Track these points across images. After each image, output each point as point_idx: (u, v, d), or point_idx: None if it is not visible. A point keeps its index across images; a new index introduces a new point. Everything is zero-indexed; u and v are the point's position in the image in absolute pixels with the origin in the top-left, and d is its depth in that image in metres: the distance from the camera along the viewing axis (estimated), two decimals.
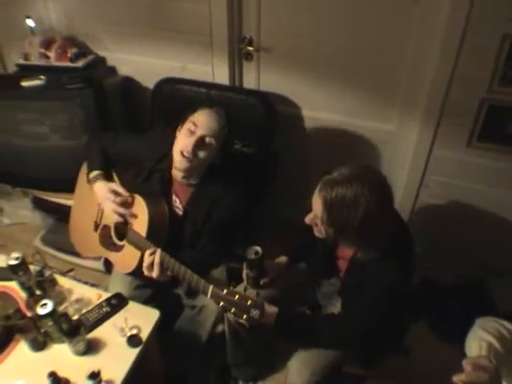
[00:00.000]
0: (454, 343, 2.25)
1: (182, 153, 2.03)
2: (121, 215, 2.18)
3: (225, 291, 1.76)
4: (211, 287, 1.81)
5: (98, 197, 2.21)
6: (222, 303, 1.75)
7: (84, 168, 2.40)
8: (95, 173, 2.25)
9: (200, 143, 2.04)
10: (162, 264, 1.95)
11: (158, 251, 1.96)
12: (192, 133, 2.04)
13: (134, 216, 2.16)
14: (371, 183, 1.61)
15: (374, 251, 1.79)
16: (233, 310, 1.73)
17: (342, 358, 2.08)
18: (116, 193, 2.18)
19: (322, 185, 1.70)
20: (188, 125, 2.06)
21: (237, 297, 1.73)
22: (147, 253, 1.98)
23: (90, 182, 2.25)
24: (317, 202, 1.71)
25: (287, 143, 2.97)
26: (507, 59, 2.20)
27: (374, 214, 1.61)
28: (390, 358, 2.21)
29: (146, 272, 1.98)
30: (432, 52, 2.36)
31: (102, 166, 2.28)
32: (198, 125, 2.05)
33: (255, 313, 1.71)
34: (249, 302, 1.72)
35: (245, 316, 1.71)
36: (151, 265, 1.96)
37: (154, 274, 1.96)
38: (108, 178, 2.27)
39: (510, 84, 2.26)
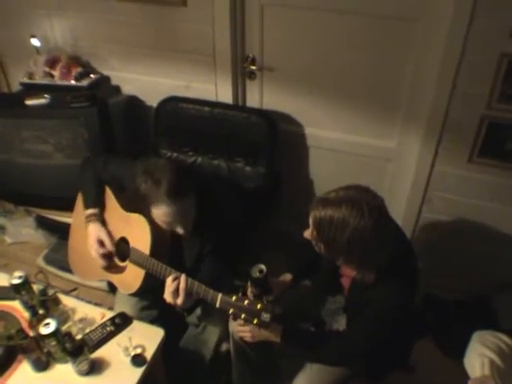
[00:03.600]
0: (459, 359, 2.25)
1: None
2: (100, 264, 2.23)
3: (234, 298, 1.76)
4: (220, 295, 1.81)
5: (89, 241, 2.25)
6: (231, 310, 1.75)
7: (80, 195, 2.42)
8: (89, 212, 2.27)
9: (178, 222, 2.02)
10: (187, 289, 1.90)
11: (183, 276, 1.90)
12: (163, 223, 2.02)
13: (136, 235, 2.17)
14: (363, 207, 1.61)
15: (368, 272, 1.79)
16: (243, 315, 1.72)
17: (348, 376, 2.07)
18: (102, 243, 2.21)
19: (314, 202, 1.72)
20: (157, 220, 2.03)
21: (246, 302, 1.73)
22: (170, 279, 1.91)
23: (85, 220, 2.28)
24: (310, 219, 1.74)
25: (290, 161, 2.99)
26: (505, 77, 2.22)
27: (364, 236, 1.62)
28: (395, 374, 2.21)
29: (169, 299, 1.91)
30: (432, 70, 2.38)
31: (95, 202, 2.30)
32: (164, 216, 1.98)
33: (266, 316, 1.70)
34: (259, 306, 1.71)
35: (255, 320, 1.71)
36: (176, 291, 1.90)
37: (180, 300, 1.89)
38: (102, 213, 2.30)
39: (508, 101, 2.28)
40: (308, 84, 2.76)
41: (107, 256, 2.23)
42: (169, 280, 1.91)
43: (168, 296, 1.91)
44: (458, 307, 2.85)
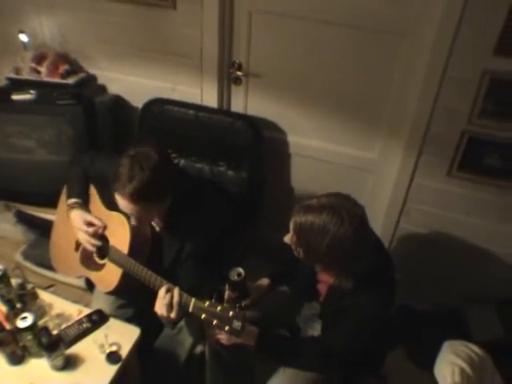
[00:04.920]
0: (430, 370, 2.28)
1: None
2: (93, 245, 2.18)
3: (207, 303, 1.77)
4: (193, 300, 1.82)
5: (73, 226, 2.22)
6: (203, 315, 1.76)
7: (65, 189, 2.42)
8: (72, 201, 2.26)
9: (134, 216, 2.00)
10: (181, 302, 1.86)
11: (177, 289, 1.88)
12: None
13: (115, 233, 2.17)
14: (343, 214, 1.63)
15: (346, 280, 1.81)
16: (215, 321, 1.74)
17: (321, 382, 2.08)
18: (89, 223, 2.18)
19: (296, 209, 1.74)
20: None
21: (218, 308, 1.75)
22: (162, 290, 1.89)
23: (67, 209, 2.27)
24: (291, 224, 1.76)
25: (272, 167, 3.02)
26: (487, 94, 2.27)
27: (343, 244, 1.64)
28: (368, 382, 2.23)
29: (161, 312, 1.87)
30: (416, 84, 2.42)
31: (79, 194, 2.29)
32: (122, 207, 1.95)
33: (237, 324, 1.72)
34: (230, 314, 1.73)
35: (227, 327, 1.72)
36: (170, 305, 1.86)
37: (174, 314, 1.86)
38: (85, 205, 2.28)
39: (488, 117, 2.32)
40: (293, 92, 2.79)
41: (99, 235, 2.20)
42: (161, 292, 1.89)
43: (161, 309, 1.87)
44: (431, 318, 2.88)
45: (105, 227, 2.19)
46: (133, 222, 2.02)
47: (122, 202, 1.90)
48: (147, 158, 1.89)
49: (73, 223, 2.22)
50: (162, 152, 1.98)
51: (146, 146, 1.98)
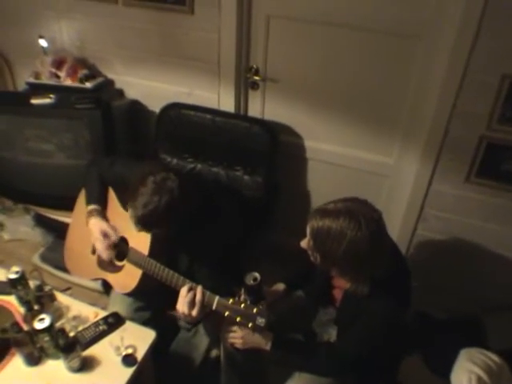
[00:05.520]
0: (446, 378, 2.26)
1: None
2: (107, 256, 2.23)
3: (230, 301, 1.79)
4: (217, 297, 1.83)
5: (91, 234, 2.25)
6: (227, 312, 1.77)
7: (83, 193, 2.44)
8: (91, 207, 2.29)
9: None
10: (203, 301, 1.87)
11: (199, 288, 1.88)
12: None
13: (135, 235, 2.17)
14: (361, 219, 1.63)
15: (363, 285, 1.80)
16: (238, 318, 1.75)
17: None
18: (106, 234, 2.22)
19: (313, 213, 1.74)
20: None
21: (242, 305, 1.76)
22: (185, 288, 1.89)
23: (86, 215, 2.29)
24: (307, 228, 1.76)
25: (288, 172, 3.02)
26: (506, 99, 2.24)
27: (360, 248, 1.64)
28: None
29: (183, 309, 1.86)
30: (434, 87, 2.40)
31: (98, 199, 2.32)
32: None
33: (261, 321, 1.73)
34: (254, 310, 1.74)
35: (250, 324, 1.73)
36: (192, 302, 1.86)
37: (195, 312, 1.86)
38: (103, 211, 2.31)
39: (508, 123, 2.29)
40: (310, 97, 2.79)
41: (113, 247, 2.24)
42: (184, 290, 1.89)
43: (182, 306, 1.87)
44: (448, 326, 2.85)
45: (120, 238, 2.24)
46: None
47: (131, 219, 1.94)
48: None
49: (91, 231, 2.25)
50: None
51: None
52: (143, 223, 1.91)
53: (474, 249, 2.72)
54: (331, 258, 1.71)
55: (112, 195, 2.36)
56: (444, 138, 2.47)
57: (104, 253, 2.22)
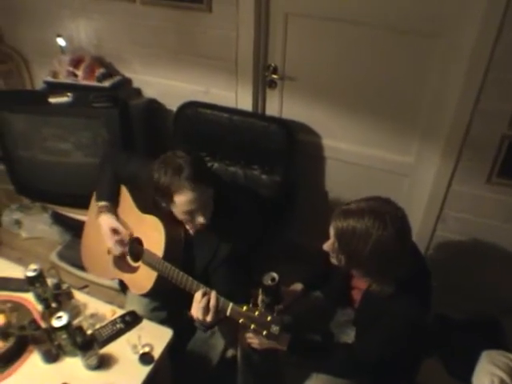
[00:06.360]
0: (466, 381, 2.23)
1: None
2: (117, 252, 2.25)
3: (244, 308, 1.76)
4: (231, 304, 1.81)
5: (101, 230, 2.27)
6: (241, 320, 1.75)
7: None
8: (101, 203, 2.30)
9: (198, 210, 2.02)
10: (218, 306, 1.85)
11: (213, 293, 1.86)
12: (184, 214, 2.03)
13: (150, 236, 2.18)
14: (386, 218, 1.61)
15: (388, 285, 1.78)
16: (252, 326, 1.73)
17: None
18: (115, 231, 2.23)
19: (336, 214, 1.72)
20: (176, 210, 2.03)
21: (256, 313, 1.74)
22: (199, 293, 1.87)
23: (96, 212, 2.30)
24: (331, 230, 1.74)
25: (305, 171, 3.00)
26: None
27: (386, 248, 1.62)
28: None
29: (197, 315, 1.85)
30: (454, 85, 2.37)
31: (109, 196, 2.33)
32: (184, 206, 1.98)
33: (275, 329, 1.70)
34: (268, 318, 1.72)
35: (265, 332, 1.71)
36: (206, 307, 1.85)
37: (210, 317, 1.84)
38: (114, 208, 2.32)
39: None
40: (328, 95, 2.77)
41: (122, 243, 2.25)
42: (198, 295, 1.88)
43: (197, 312, 1.86)
44: (468, 328, 2.82)
45: (130, 235, 2.24)
46: (201, 220, 2.03)
47: (184, 197, 1.93)
48: (176, 153, 1.99)
49: (101, 227, 2.26)
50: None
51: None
52: (197, 181, 1.91)
53: (493, 250, 2.69)
54: (357, 259, 1.69)
55: (126, 194, 2.34)
56: (465, 138, 2.44)
57: (115, 248, 2.23)
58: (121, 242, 2.24)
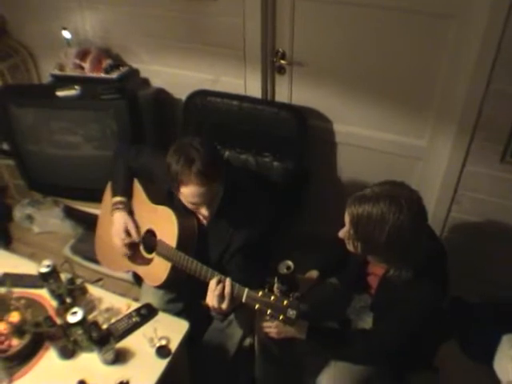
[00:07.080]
0: (484, 363, 2.21)
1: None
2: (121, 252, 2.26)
3: (260, 293, 1.75)
4: (246, 290, 1.81)
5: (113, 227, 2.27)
6: (257, 305, 1.74)
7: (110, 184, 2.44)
8: (117, 199, 2.29)
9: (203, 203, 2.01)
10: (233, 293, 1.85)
11: (228, 280, 1.86)
12: (189, 203, 2.01)
13: (163, 227, 2.17)
14: (401, 202, 1.59)
15: (406, 270, 1.76)
16: (269, 311, 1.72)
17: (373, 374, 2.05)
18: (128, 233, 2.23)
19: (351, 200, 1.70)
20: (182, 198, 2.01)
21: (272, 298, 1.73)
22: (214, 281, 1.88)
23: (112, 207, 2.30)
24: (346, 217, 1.72)
25: (317, 157, 2.97)
26: None
27: (403, 232, 1.60)
28: (420, 374, 2.18)
29: (213, 303, 1.86)
30: (466, 66, 2.33)
31: (124, 191, 2.32)
32: (190, 198, 1.96)
33: (292, 313, 1.69)
34: (285, 303, 1.70)
35: (281, 316, 1.70)
36: (221, 295, 1.85)
37: (225, 305, 1.84)
38: (129, 203, 2.31)
39: None
40: (338, 79, 2.73)
41: (131, 246, 2.25)
42: (212, 283, 1.88)
43: (212, 300, 1.86)
44: (484, 311, 2.80)
45: (138, 243, 2.26)
46: (205, 212, 2.02)
47: (190, 190, 1.91)
48: (192, 141, 1.95)
49: (114, 225, 2.26)
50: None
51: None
52: (206, 176, 1.89)
53: (509, 230, 2.66)
54: (373, 245, 1.67)
55: (138, 187, 2.34)
56: (478, 118, 2.40)
57: (120, 249, 2.26)
58: (130, 245, 2.25)
